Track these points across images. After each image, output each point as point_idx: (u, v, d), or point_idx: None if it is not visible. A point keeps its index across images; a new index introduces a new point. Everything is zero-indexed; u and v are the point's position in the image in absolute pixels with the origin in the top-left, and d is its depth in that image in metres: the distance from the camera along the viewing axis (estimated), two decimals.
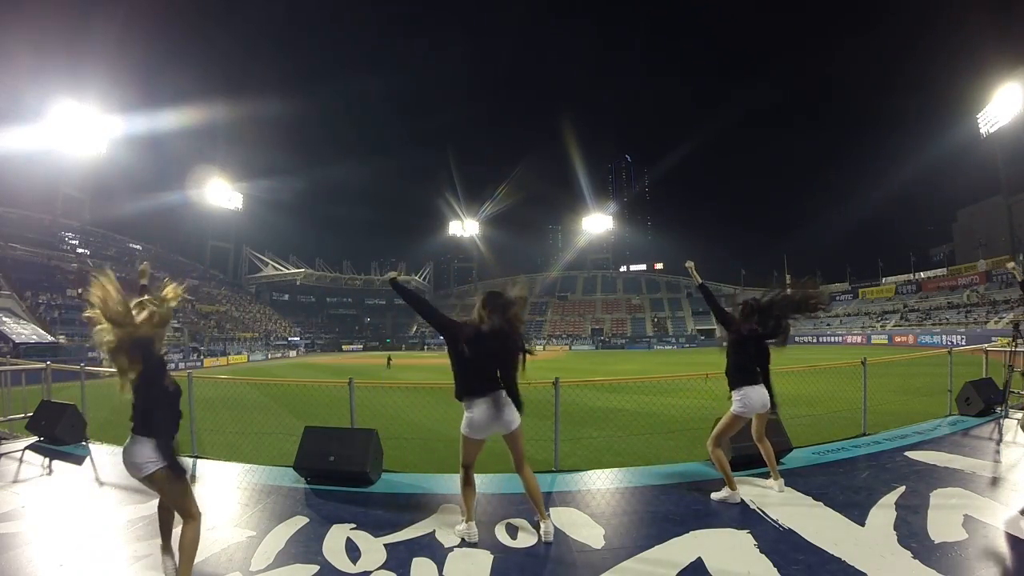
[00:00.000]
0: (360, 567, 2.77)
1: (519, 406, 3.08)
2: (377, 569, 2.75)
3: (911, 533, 2.96)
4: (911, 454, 4.64)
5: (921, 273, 55.53)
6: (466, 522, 3.14)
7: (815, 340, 50.22)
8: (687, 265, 4.51)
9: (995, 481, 3.82)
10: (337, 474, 4.17)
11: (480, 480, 4.27)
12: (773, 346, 3.78)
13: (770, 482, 3.83)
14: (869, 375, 5.71)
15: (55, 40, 51.21)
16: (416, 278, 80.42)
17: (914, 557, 2.68)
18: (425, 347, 62.11)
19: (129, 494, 3.96)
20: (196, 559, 2.65)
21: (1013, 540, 2.88)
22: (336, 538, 3.13)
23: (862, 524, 3.13)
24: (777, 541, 2.95)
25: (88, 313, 2.40)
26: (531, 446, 6.37)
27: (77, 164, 48.84)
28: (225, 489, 4.24)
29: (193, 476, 4.59)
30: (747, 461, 4.17)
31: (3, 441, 5.84)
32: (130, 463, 2.46)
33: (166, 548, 2.78)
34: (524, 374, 3.10)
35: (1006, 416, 5.94)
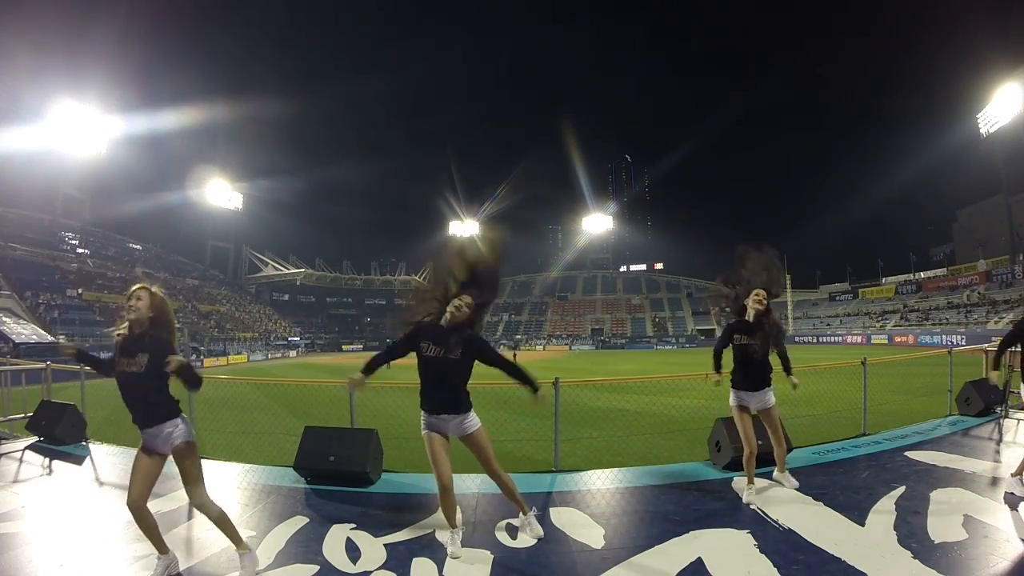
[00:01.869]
0: (360, 567, 2.77)
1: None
2: (377, 569, 2.75)
3: (911, 533, 2.96)
4: (911, 454, 4.64)
5: (921, 273, 55.52)
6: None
7: (815, 340, 50.21)
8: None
9: (995, 481, 3.81)
10: (337, 474, 4.17)
11: (480, 480, 4.27)
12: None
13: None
14: (869, 375, 5.71)
15: (55, 40, 51.25)
16: (416, 278, 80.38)
17: (914, 557, 2.68)
18: None
19: None
20: (196, 559, 2.77)
21: (1013, 540, 2.88)
22: (336, 538, 3.13)
23: (862, 524, 3.13)
24: (777, 541, 2.95)
25: None
26: (531, 446, 6.39)
27: (77, 164, 48.79)
28: (225, 489, 4.23)
29: None
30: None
31: (3, 441, 5.84)
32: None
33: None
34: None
35: (1006, 416, 5.94)
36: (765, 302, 3.67)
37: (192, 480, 2.67)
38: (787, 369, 3.82)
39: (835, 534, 3.00)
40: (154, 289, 2.82)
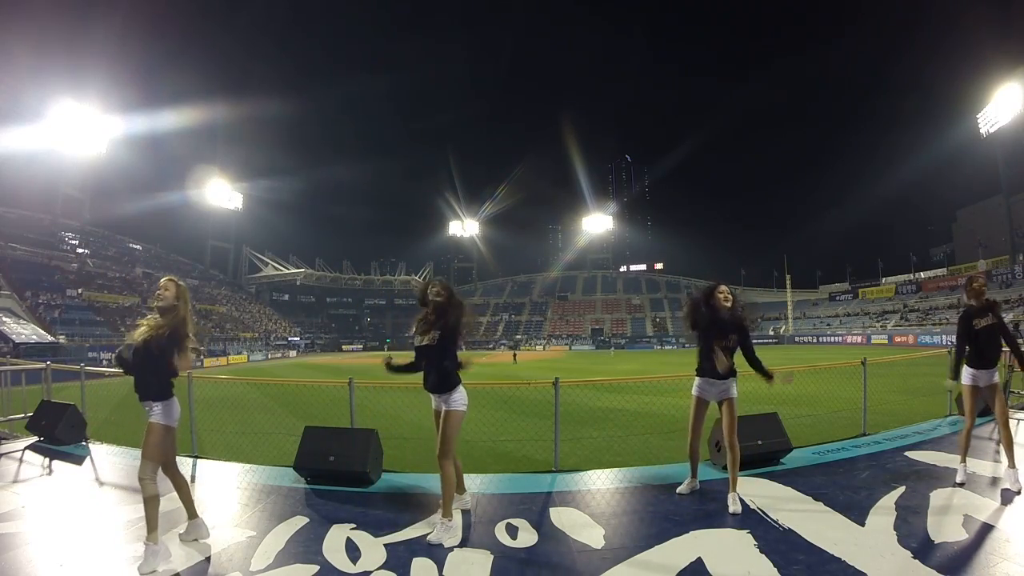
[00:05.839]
0: (360, 567, 2.77)
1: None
2: (377, 569, 2.75)
3: (911, 533, 2.96)
4: (911, 454, 4.64)
5: (921, 273, 55.58)
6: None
7: (815, 340, 50.21)
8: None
9: (995, 481, 3.81)
10: (337, 474, 4.17)
11: (480, 480, 4.28)
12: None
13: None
14: (869, 375, 5.72)
15: (55, 40, 51.25)
16: (416, 278, 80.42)
17: (914, 557, 2.68)
18: None
19: (129, 494, 3.95)
20: (198, 558, 2.81)
21: (1013, 540, 2.88)
22: (336, 538, 3.13)
23: (862, 524, 3.13)
24: (777, 541, 2.95)
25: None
26: (531, 446, 6.39)
27: (77, 164, 48.82)
28: (225, 489, 4.24)
29: (193, 476, 4.60)
30: (744, 461, 4.15)
31: (3, 441, 5.84)
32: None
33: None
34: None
35: None
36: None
37: (143, 454, 2.87)
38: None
39: (835, 534, 2.99)
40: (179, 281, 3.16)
